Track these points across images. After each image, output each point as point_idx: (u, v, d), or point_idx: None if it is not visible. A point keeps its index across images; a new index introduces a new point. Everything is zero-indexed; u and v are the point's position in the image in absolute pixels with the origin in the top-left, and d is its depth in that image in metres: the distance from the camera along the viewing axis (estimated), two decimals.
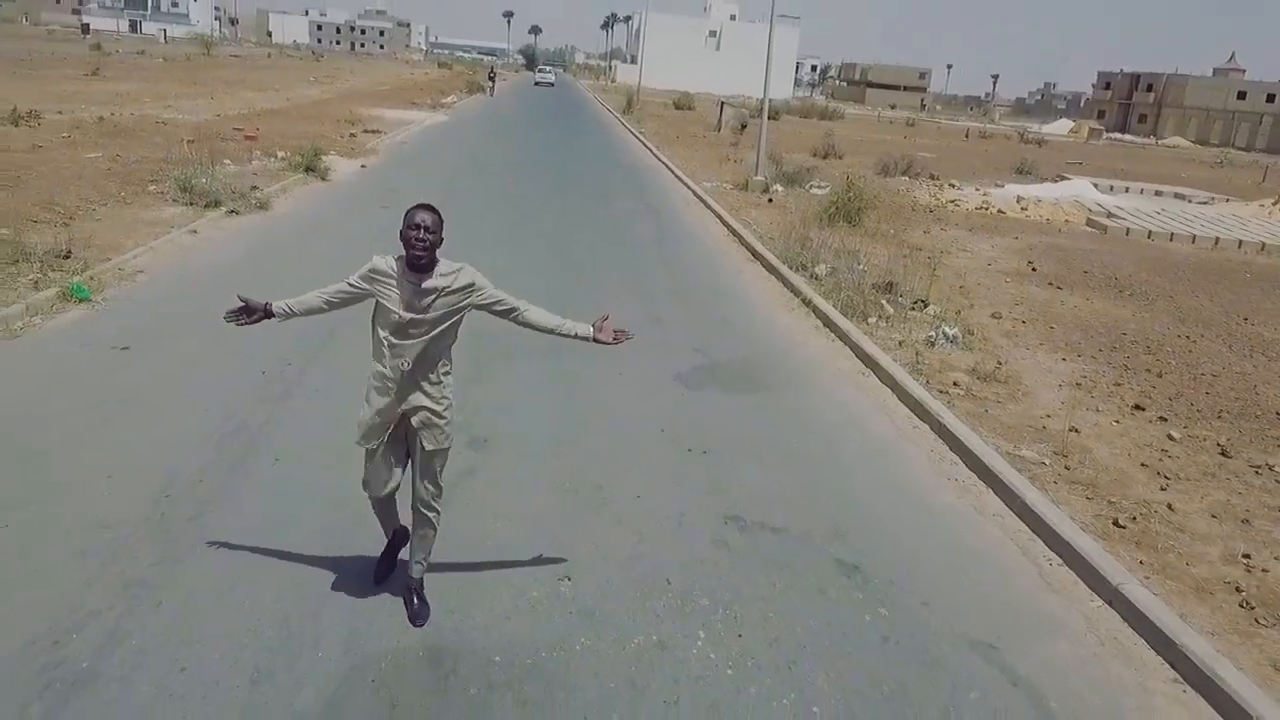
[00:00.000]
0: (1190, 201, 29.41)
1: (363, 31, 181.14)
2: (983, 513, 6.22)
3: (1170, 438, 7.95)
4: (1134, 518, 6.31)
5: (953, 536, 5.86)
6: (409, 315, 4.06)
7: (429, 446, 4.29)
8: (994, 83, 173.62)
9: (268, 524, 5.12)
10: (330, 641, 4.17)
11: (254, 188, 14.64)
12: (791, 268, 12.94)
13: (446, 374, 4.28)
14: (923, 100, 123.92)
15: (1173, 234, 20.43)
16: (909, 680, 4.31)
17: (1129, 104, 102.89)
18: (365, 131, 26.12)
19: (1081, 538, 5.67)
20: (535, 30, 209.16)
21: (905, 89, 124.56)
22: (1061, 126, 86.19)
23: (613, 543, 5.27)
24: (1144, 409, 8.61)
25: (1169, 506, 6.57)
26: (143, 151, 17.76)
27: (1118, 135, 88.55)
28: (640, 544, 5.29)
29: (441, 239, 4.08)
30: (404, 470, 4.40)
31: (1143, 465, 7.28)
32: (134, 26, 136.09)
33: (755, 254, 14.19)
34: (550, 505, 5.67)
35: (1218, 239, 20.23)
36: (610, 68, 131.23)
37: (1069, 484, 6.75)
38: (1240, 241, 20.17)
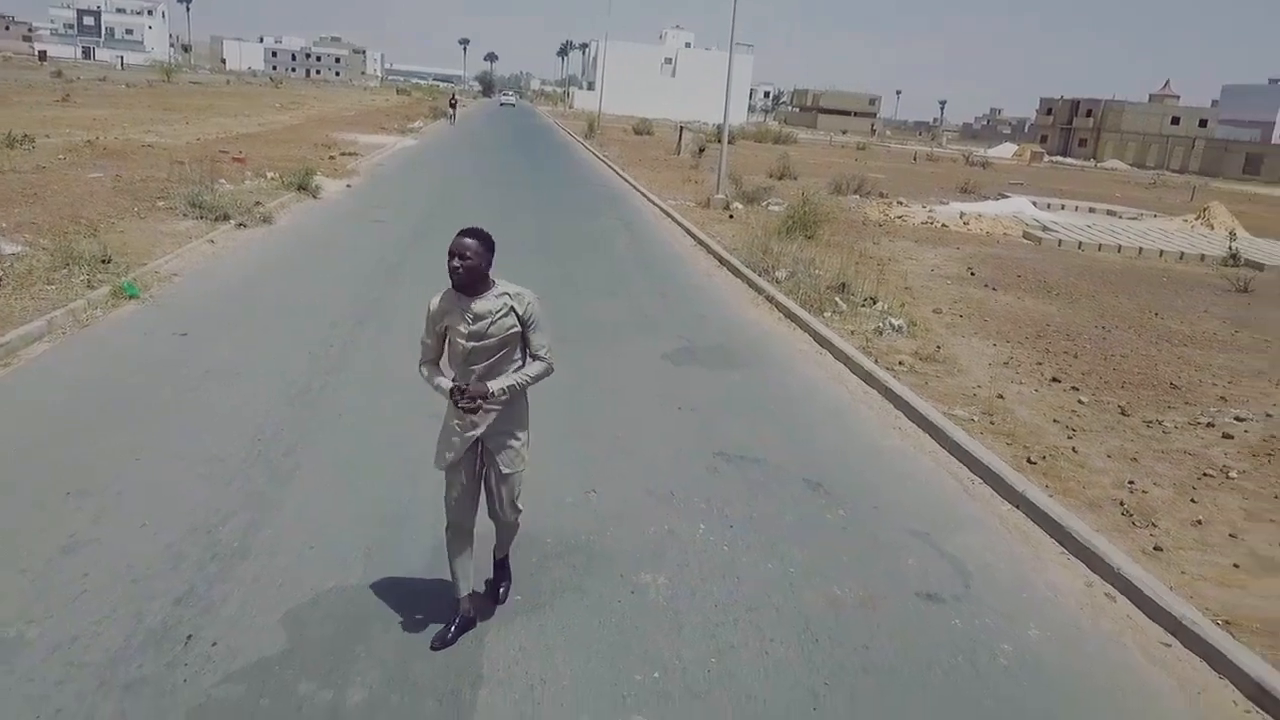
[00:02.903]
0: (1121, 217, 31.44)
1: (318, 58, 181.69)
2: (921, 450, 7.64)
3: (1080, 402, 9.42)
4: (1044, 456, 7.73)
5: (897, 465, 7.27)
6: (470, 344, 4.09)
7: (505, 470, 4.31)
8: (942, 108, 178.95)
9: (348, 458, 6.35)
10: (420, 527, 5.40)
11: (257, 204, 15.79)
12: (756, 272, 14.35)
13: (522, 394, 4.30)
14: (873, 125, 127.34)
15: (1100, 245, 22.20)
16: (862, 553, 5.67)
17: (1070, 129, 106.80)
18: (343, 154, 27.26)
19: (998, 464, 7.09)
20: (491, 57, 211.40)
21: (856, 114, 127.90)
22: (1006, 150, 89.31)
23: (626, 469, 6.59)
24: (1060, 381, 10.08)
25: (1073, 449, 7.99)
26: (141, 172, 18.83)
27: (1059, 158, 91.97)
28: (648, 469, 6.61)
29: (488, 261, 4.11)
30: (480, 497, 4.45)
31: (1055, 421, 8.72)
32: (87, 53, 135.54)
33: (722, 261, 15.62)
34: (573, 445, 6.95)
35: (1141, 249, 22.04)
36: (568, 94, 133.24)
37: (993, 434, 8.15)
38: (1161, 251, 21.98)
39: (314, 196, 18.60)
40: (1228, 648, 4.78)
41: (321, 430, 6.82)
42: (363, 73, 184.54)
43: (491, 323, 4.07)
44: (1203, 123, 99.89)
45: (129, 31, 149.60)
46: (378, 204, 18.66)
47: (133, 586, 4.61)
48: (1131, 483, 7.37)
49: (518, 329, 4.14)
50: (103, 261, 10.82)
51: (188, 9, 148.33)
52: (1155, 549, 6.24)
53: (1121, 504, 6.95)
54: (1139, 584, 5.39)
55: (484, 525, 4.55)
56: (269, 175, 20.19)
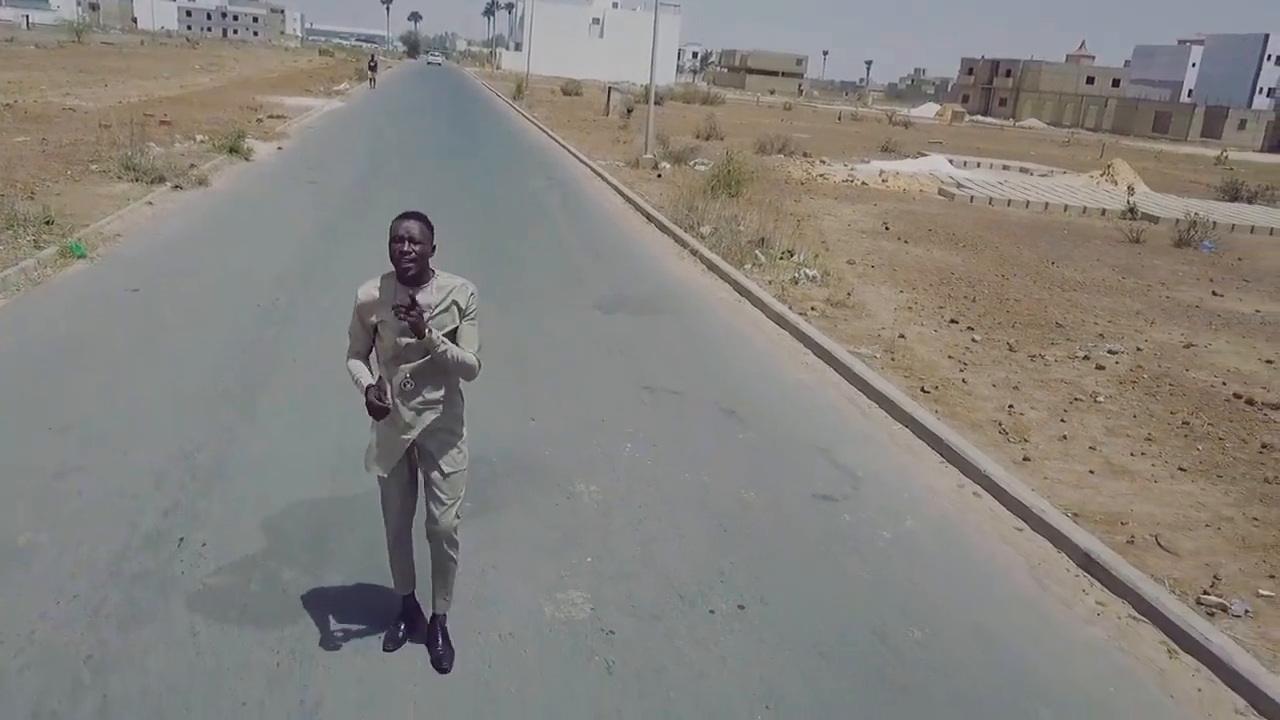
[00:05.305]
0: (1032, 174, 32.87)
1: (235, 18, 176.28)
2: (825, 382, 8.53)
3: (973, 340, 10.38)
4: (936, 386, 8.65)
5: (802, 395, 8.13)
6: (404, 340, 3.77)
7: (447, 469, 4.03)
8: (868, 69, 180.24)
9: (305, 397, 6.95)
10: None
11: (192, 166, 16.01)
12: (681, 228, 15.09)
13: (457, 388, 4.04)
14: (800, 86, 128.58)
15: (1010, 200, 23.42)
16: (768, 465, 6.51)
17: (990, 88, 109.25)
18: (271, 117, 27.16)
19: (892, 391, 7.99)
20: (415, 17, 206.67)
21: (784, 75, 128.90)
22: (929, 110, 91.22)
23: (560, 402, 7.33)
24: (958, 323, 11.04)
25: (963, 380, 8.93)
26: (67, 135, 18.78)
27: (980, 118, 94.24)
28: (582, 401, 7.36)
29: (433, 247, 3.79)
30: (418, 496, 4.17)
31: (949, 357, 9.66)
32: None
33: (649, 218, 16.34)
34: (513, 382, 7.64)
35: (1047, 204, 23.31)
36: (495, 55, 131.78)
37: (893, 369, 9.05)
38: (1066, 206, 23.29)
39: (246, 159, 18.76)
40: (1066, 529, 5.73)
41: (278, 373, 7.41)
42: (282, 33, 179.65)
43: (431, 318, 3.76)
44: (1116, 82, 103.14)
45: None
46: (310, 166, 18.90)
47: (124, 502, 5.21)
48: (1011, 407, 8.32)
49: (456, 326, 3.85)
50: (46, 223, 11.12)
51: None
52: (1024, 459, 7.18)
53: (999, 424, 7.89)
54: (1001, 483, 6.32)
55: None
56: (198, 138, 20.25)
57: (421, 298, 3.75)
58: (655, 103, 28.54)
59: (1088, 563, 5.45)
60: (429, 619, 4.29)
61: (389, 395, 3.83)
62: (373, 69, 52.16)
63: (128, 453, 5.79)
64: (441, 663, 4.14)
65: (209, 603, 4.40)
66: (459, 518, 4.11)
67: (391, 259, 3.72)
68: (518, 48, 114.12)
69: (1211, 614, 5.16)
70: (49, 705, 3.68)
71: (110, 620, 4.20)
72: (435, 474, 4.02)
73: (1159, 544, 6.02)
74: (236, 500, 5.35)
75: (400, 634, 4.30)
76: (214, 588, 4.52)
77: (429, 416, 3.94)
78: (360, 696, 3.91)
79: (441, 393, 3.95)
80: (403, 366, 3.84)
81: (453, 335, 3.84)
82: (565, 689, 4.07)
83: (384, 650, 4.23)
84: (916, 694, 4.28)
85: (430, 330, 3.71)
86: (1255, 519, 6.47)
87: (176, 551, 4.78)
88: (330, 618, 4.39)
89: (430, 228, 3.79)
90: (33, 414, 6.24)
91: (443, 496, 4.04)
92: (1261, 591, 5.48)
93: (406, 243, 3.69)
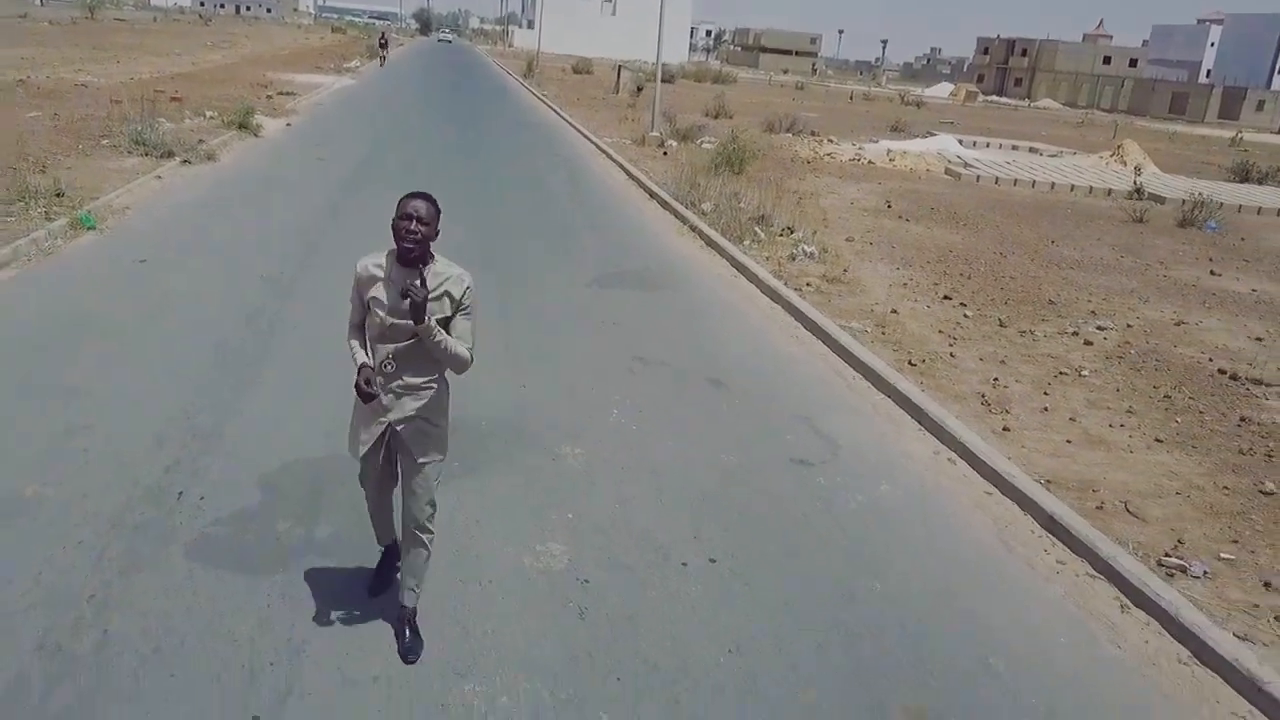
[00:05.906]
0: (1042, 154, 32.80)
1: None
2: (814, 355, 8.72)
3: (965, 315, 10.53)
4: (924, 360, 8.82)
5: (790, 368, 8.33)
6: (390, 320, 3.77)
7: (420, 460, 3.98)
8: (883, 48, 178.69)
9: (305, 366, 7.17)
10: None
11: (201, 141, 16.24)
12: (683, 205, 15.25)
13: (443, 377, 4.02)
14: (814, 65, 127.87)
15: (1015, 180, 23.41)
16: (750, 432, 6.72)
17: (1005, 68, 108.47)
18: (281, 94, 27.34)
19: (878, 364, 8.17)
20: None
21: (797, 54, 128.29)
22: (943, 90, 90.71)
23: (553, 370, 7.56)
24: (951, 299, 11.19)
25: (951, 354, 9.10)
26: (79, 111, 19.02)
27: (995, 98, 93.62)
28: (573, 370, 7.59)
29: (437, 231, 3.77)
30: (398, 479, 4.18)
31: (939, 332, 9.82)
32: None
33: (652, 194, 16.51)
34: (506, 352, 7.85)
35: (1053, 184, 23.30)
36: (507, 33, 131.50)
37: (882, 343, 9.22)
38: (1072, 186, 23.28)
39: (255, 135, 18.99)
40: (1034, 493, 5.92)
41: (281, 342, 7.64)
42: (295, 9, 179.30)
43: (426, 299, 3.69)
44: (1133, 62, 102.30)
45: None
46: (318, 143, 19.11)
47: (127, 459, 5.45)
48: (996, 379, 8.49)
49: (447, 315, 3.81)
50: (56, 195, 11.37)
51: None
52: (1004, 429, 7.36)
53: (983, 396, 8.06)
54: (977, 451, 6.51)
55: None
56: (208, 114, 20.45)
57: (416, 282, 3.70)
58: (665, 81, 28.63)
59: (1051, 524, 5.65)
60: (398, 614, 4.20)
61: (376, 382, 3.82)
62: (384, 47, 51.48)
63: (132, 414, 6.04)
64: (408, 655, 4.06)
65: (206, 551, 4.65)
66: (431, 506, 4.07)
67: (395, 235, 3.71)
68: (530, 25, 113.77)
69: (1171, 575, 5.35)
70: (53, 639, 3.93)
71: (112, 565, 4.45)
72: (408, 463, 4.01)
73: (1128, 510, 6.21)
74: (234, 458, 5.59)
75: (383, 579, 4.52)
76: (211, 537, 4.77)
77: (408, 403, 3.89)
78: (344, 635, 4.15)
79: (423, 379, 3.90)
80: (385, 346, 3.82)
81: (444, 324, 3.79)
82: (540, 632, 4.30)
83: (369, 595, 4.45)
84: (874, 642, 4.49)
85: (429, 317, 3.69)
86: (1225, 488, 6.65)
87: (176, 505, 5.03)
88: (319, 565, 4.63)
89: (438, 211, 3.76)
90: (42, 377, 6.49)
91: (414, 486, 4.01)
92: (1223, 555, 5.66)
93: (414, 221, 3.66)
